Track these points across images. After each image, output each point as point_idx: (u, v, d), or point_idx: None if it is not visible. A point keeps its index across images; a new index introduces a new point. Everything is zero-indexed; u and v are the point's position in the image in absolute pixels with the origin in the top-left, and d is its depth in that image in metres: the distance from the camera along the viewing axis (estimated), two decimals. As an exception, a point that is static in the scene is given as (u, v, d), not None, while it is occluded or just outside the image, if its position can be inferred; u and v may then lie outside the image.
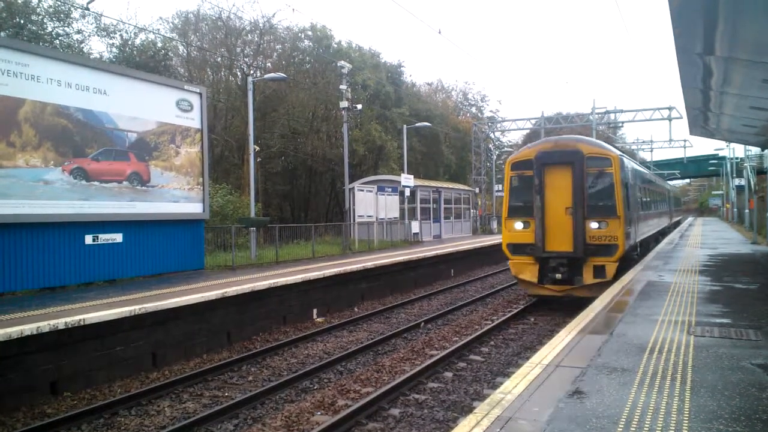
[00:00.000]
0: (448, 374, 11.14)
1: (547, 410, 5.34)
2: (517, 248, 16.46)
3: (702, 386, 5.94)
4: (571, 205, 15.63)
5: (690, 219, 77.55)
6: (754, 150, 39.56)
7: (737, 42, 9.51)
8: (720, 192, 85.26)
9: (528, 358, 7.40)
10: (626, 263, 16.65)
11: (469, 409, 5.89)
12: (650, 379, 6.18)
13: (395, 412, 9.18)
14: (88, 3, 18.30)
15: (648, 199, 23.41)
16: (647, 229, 22.35)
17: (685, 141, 57.56)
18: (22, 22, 29.53)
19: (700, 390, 5.83)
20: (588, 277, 15.55)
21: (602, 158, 15.76)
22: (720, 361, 6.88)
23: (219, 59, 40.23)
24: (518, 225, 16.40)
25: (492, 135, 60.11)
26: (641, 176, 21.86)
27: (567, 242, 15.66)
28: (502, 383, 6.39)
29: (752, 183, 40.18)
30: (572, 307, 15.29)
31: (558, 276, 15.79)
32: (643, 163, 48.10)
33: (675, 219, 48.69)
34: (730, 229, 45.10)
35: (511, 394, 5.78)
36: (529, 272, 16.40)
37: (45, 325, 10.06)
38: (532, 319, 16.06)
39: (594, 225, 15.41)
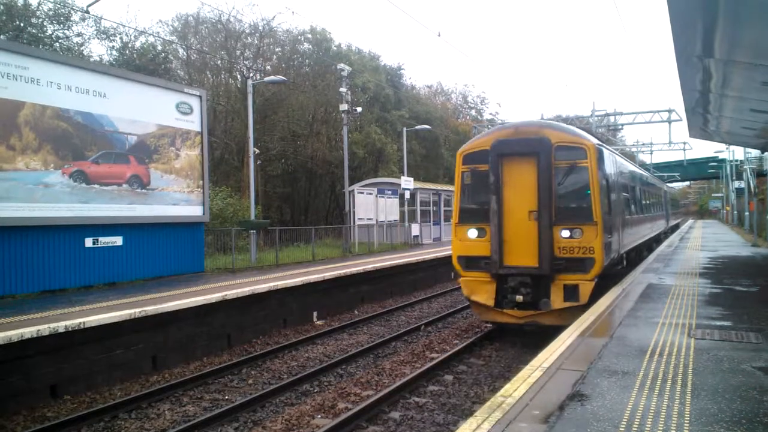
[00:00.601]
0: (449, 377, 11.13)
1: (548, 413, 5.33)
2: (470, 262, 13.19)
3: (703, 389, 5.93)
4: (536, 208, 12.43)
5: (690, 221, 77.58)
6: (754, 152, 39.58)
7: (737, 44, 9.52)
8: (720, 194, 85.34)
9: (528, 362, 7.39)
10: (608, 280, 13.59)
11: (470, 413, 5.91)
12: (651, 382, 6.17)
13: (396, 415, 9.16)
14: (88, 6, 18.30)
15: (638, 201, 20.14)
16: (637, 236, 19.09)
17: (684, 143, 57.34)
18: (22, 24, 29.57)
19: (701, 393, 5.82)
20: (557, 300, 12.30)
21: (574, 148, 12.48)
22: (720, 364, 6.88)
23: (219, 62, 40.29)
24: (471, 233, 13.15)
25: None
26: (629, 172, 18.44)
27: (531, 255, 12.46)
28: (502, 386, 6.38)
29: (752, 185, 40.19)
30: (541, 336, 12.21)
31: (519, 298, 12.48)
32: (642, 165, 46.46)
33: (672, 223, 45.33)
34: (730, 232, 45.11)
35: (511, 398, 5.78)
36: (483, 293, 13.04)
37: (45, 329, 10.05)
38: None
39: (565, 233, 12.24)
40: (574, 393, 5.86)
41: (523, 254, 12.59)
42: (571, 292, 12.21)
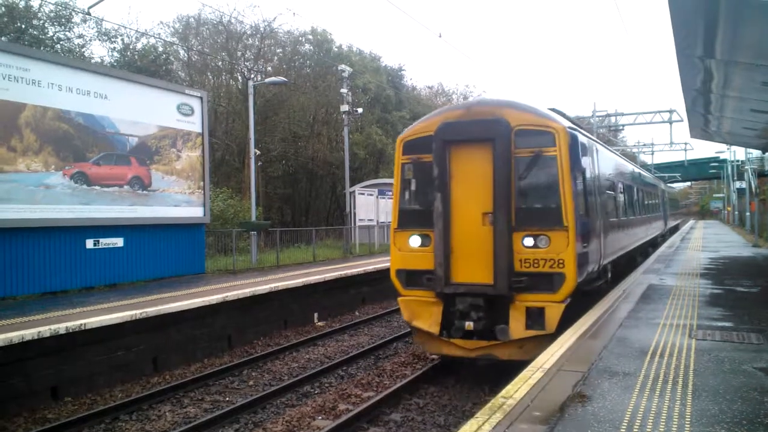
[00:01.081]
0: (450, 379, 11.12)
1: (548, 415, 5.32)
2: (412, 278, 10.62)
3: (704, 390, 5.92)
4: (492, 210, 9.93)
5: (691, 222, 77.58)
6: (755, 153, 39.57)
7: (738, 45, 9.51)
8: (721, 195, 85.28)
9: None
10: (586, 300, 11.09)
11: (471, 414, 5.91)
12: (652, 383, 6.16)
13: (396, 416, 9.16)
14: (89, 8, 18.31)
15: (629, 200, 17.43)
16: (627, 242, 16.17)
17: (686, 144, 57.53)
18: (23, 26, 29.61)
19: (702, 394, 5.81)
20: (517, 327, 9.78)
21: (540, 132, 9.96)
22: (722, 365, 6.87)
23: (220, 63, 40.33)
24: (413, 241, 10.58)
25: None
26: (615, 166, 15.77)
27: (485, 269, 9.95)
28: (503, 387, 6.38)
29: (753, 186, 40.15)
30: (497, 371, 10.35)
31: (468, 325, 9.95)
32: (644, 166, 45.39)
33: (671, 224, 41.99)
34: (732, 232, 45.08)
35: (512, 399, 5.77)
36: (427, 317, 10.44)
37: (46, 330, 10.05)
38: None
39: (527, 241, 9.80)
40: (574, 394, 5.86)
41: (475, 268, 10.07)
42: (535, 316, 9.75)
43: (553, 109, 11.20)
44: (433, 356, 11.85)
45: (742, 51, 9.78)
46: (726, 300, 11.64)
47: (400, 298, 10.83)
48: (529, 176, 9.97)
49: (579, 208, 10.14)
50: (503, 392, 6.01)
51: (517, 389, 6.07)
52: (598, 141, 14.12)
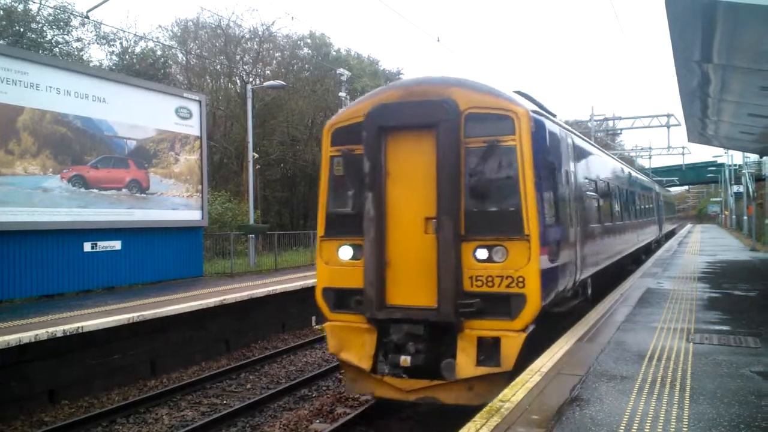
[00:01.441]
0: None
1: (546, 418, 5.32)
2: (341, 298, 8.64)
3: (701, 394, 5.93)
4: (436, 213, 8.02)
5: (688, 226, 77.63)
6: (753, 157, 39.66)
7: (735, 49, 9.54)
8: (719, 199, 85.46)
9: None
10: (555, 324, 9.24)
11: (469, 417, 5.90)
12: (649, 387, 6.16)
13: (394, 419, 9.15)
14: (87, 11, 18.33)
15: (616, 202, 15.54)
16: (611, 252, 14.17)
17: (683, 148, 57.66)
18: (21, 30, 29.61)
19: (699, 397, 5.81)
20: (466, 364, 7.84)
21: (497, 117, 8.13)
22: (719, 369, 6.87)
23: (218, 67, 40.34)
24: (344, 252, 8.63)
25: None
26: (597, 163, 13.58)
27: (428, 289, 8.02)
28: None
29: (750, 190, 40.24)
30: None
31: (405, 360, 7.86)
32: (641, 170, 44.51)
33: (667, 229, 39.68)
34: (729, 236, 45.15)
35: (510, 402, 5.77)
36: (357, 348, 8.45)
37: (43, 333, 10.03)
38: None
39: (480, 254, 7.94)
40: (572, 398, 5.86)
41: (415, 287, 8.16)
42: (488, 349, 7.85)
43: (518, 92, 9.32)
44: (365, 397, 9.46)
45: (740, 55, 9.82)
46: (723, 304, 11.65)
47: (326, 324, 8.80)
48: (482, 172, 8.05)
49: (545, 211, 8.34)
50: (501, 396, 6.00)
51: (514, 393, 6.07)
52: (576, 132, 11.84)
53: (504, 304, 7.81)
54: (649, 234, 24.55)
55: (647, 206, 24.39)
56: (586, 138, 13.62)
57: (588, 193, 11.65)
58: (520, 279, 7.76)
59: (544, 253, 7.98)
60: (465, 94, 8.23)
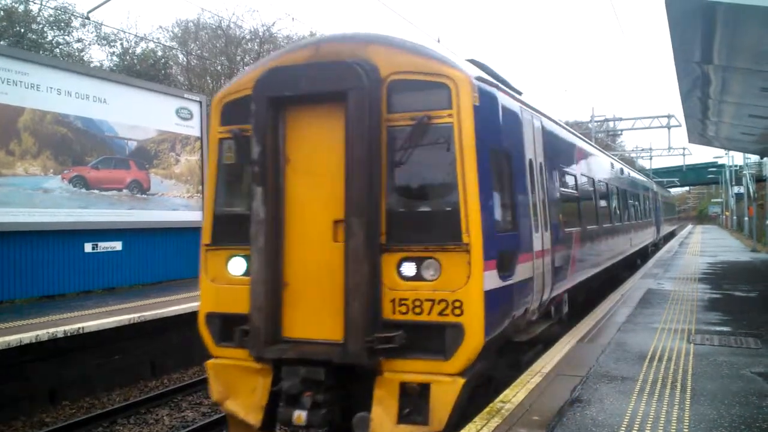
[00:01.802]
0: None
1: (547, 419, 5.32)
2: (229, 327, 6.62)
3: (702, 394, 5.93)
4: (344, 214, 6.12)
5: (689, 227, 77.65)
6: (753, 158, 39.67)
7: (736, 51, 9.55)
8: (719, 200, 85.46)
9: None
10: (506, 361, 7.29)
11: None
12: (650, 388, 6.17)
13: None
14: (88, 12, 18.37)
15: (604, 202, 13.83)
16: (598, 258, 12.44)
17: (684, 149, 57.71)
18: (22, 30, 29.62)
19: (700, 398, 5.82)
20: (383, 421, 5.92)
21: (428, 84, 6.22)
22: (720, 370, 6.87)
23: (219, 68, 40.36)
24: (235, 265, 6.75)
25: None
26: (578, 154, 11.64)
27: (336, 317, 6.11)
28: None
29: (751, 191, 40.24)
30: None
31: (299, 416, 5.94)
32: (642, 171, 41.32)
33: (666, 231, 37.29)
34: (730, 237, 45.15)
35: (510, 403, 5.77)
36: (245, 396, 6.53)
37: (44, 334, 10.03)
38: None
39: (407, 269, 6.11)
40: (573, 398, 5.86)
41: (321, 314, 6.21)
42: (412, 400, 5.89)
43: (471, 60, 7.48)
44: None
45: (740, 56, 9.83)
46: (724, 304, 11.66)
47: (208, 362, 6.78)
48: (410, 159, 6.13)
49: (495, 212, 6.49)
50: (501, 397, 6.01)
51: (515, 393, 6.07)
52: (549, 116, 9.66)
53: (436, 338, 5.86)
54: (644, 237, 22.43)
55: (643, 207, 22.42)
56: (563, 125, 11.27)
57: (565, 190, 9.92)
58: (457, 303, 5.81)
59: (490, 268, 6.05)
60: (389, 54, 6.31)
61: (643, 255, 22.78)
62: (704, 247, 31.61)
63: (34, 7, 30.22)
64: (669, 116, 43.99)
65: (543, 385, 6.37)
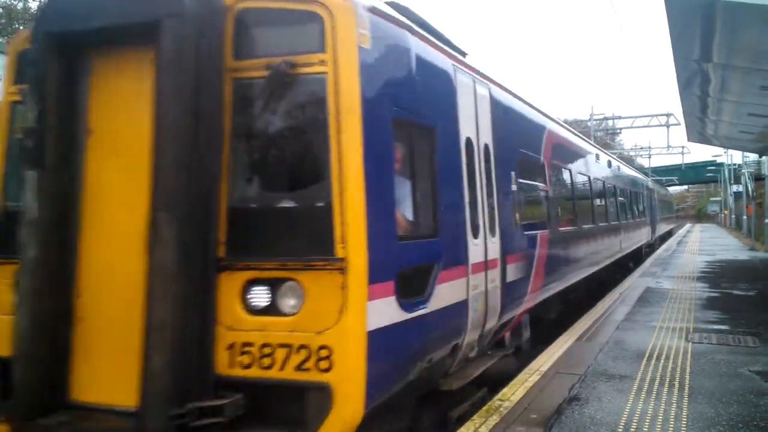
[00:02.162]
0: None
1: (545, 417, 5.32)
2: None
3: (700, 393, 5.93)
4: (150, 209, 4.02)
5: (688, 226, 77.69)
6: (752, 156, 39.68)
7: (735, 49, 9.56)
8: (718, 198, 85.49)
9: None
10: (429, 418, 5.52)
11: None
12: (648, 386, 6.17)
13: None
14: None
15: (584, 198, 12.31)
16: (578, 265, 10.74)
17: (683, 147, 57.73)
18: (21, 28, 29.63)
19: (698, 397, 5.82)
20: None
21: (289, 15, 4.21)
22: (718, 368, 6.88)
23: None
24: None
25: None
26: (549, 137, 9.61)
27: (133, 369, 3.90)
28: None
29: (750, 189, 40.25)
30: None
31: None
32: (640, 169, 40.09)
33: (662, 231, 35.43)
34: (728, 236, 45.18)
35: (509, 401, 5.77)
36: None
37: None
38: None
39: (256, 296, 4.08)
40: (571, 397, 5.86)
41: (119, 363, 4.16)
42: None
43: (390, 3, 5.27)
44: None
45: (739, 55, 9.83)
46: (722, 303, 11.66)
47: None
48: (262, 129, 4.34)
49: (391, 210, 4.54)
50: (500, 395, 6.00)
51: (513, 392, 6.07)
52: (499, 83, 7.46)
53: (292, 406, 3.99)
54: (637, 238, 20.26)
55: (636, 205, 20.38)
56: (527, 101, 8.87)
57: (526, 182, 7.97)
58: (323, 353, 3.92)
59: (382, 294, 4.20)
60: None
61: (636, 256, 20.87)
62: (703, 245, 31.63)
63: (33, 5, 30.22)
64: (668, 115, 44.03)
65: (541, 383, 6.37)
